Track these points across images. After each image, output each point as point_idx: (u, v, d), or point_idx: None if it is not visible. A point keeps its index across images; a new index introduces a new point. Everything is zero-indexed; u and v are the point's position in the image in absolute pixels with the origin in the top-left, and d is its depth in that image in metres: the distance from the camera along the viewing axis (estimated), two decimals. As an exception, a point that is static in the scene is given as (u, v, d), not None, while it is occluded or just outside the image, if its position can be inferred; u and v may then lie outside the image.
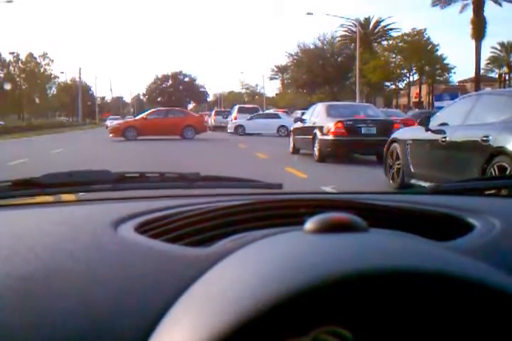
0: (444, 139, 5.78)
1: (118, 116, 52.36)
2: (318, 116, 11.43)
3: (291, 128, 13.45)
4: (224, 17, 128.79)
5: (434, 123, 6.13)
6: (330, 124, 10.63)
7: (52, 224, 0.76)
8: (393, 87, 47.72)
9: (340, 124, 10.41)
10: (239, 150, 15.72)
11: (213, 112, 36.70)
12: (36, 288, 0.52)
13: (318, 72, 48.56)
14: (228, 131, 27.08)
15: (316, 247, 0.51)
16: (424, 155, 6.37)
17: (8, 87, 52.63)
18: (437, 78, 42.59)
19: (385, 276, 0.43)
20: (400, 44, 39.08)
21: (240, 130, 26.49)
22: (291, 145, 13.19)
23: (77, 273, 0.55)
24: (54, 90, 69.18)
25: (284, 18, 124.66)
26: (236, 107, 31.07)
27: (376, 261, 0.45)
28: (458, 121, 5.78)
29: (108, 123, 44.32)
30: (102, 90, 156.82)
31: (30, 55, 59.38)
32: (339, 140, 10.42)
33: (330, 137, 10.51)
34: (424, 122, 6.20)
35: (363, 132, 10.53)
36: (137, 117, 24.44)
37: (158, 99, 75.78)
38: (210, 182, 1.11)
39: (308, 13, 36.12)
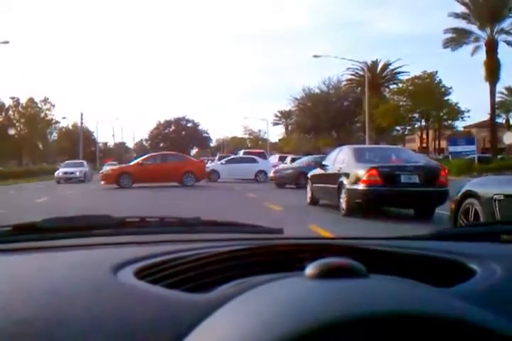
0: None
1: (82, 161, 33.08)
2: (344, 161, 9.56)
3: (309, 176, 11.56)
4: (227, 62, 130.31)
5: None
6: (361, 171, 8.74)
7: (53, 268, 0.76)
8: (401, 131, 46.23)
9: (374, 171, 8.51)
10: (248, 199, 13.71)
11: (217, 157, 35.00)
12: (35, 332, 0.53)
13: (323, 116, 47.37)
14: None
15: (316, 293, 0.53)
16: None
17: (8, 131, 51.29)
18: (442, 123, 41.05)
19: (383, 321, 0.45)
20: (411, 87, 37.81)
21: (213, 175, 23.27)
22: (309, 195, 11.28)
23: (76, 318, 0.55)
24: (55, 135, 68.23)
25: (287, 62, 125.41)
26: (241, 152, 29.43)
27: (374, 307, 0.47)
28: None
29: (60, 171, 28.37)
30: (105, 136, 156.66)
31: (31, 99, 58.71)
32: (373, 190, 8.49)
33: (361, 187, 8.60)
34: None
35: (402, 181, 8.58)
36: (132, 163, 22.15)
37: (161, 145, 74.81)
38: (210, 226, 1.11)
39: (315, 56, 35.20)
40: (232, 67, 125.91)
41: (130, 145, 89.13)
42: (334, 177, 9.49)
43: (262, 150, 30.80)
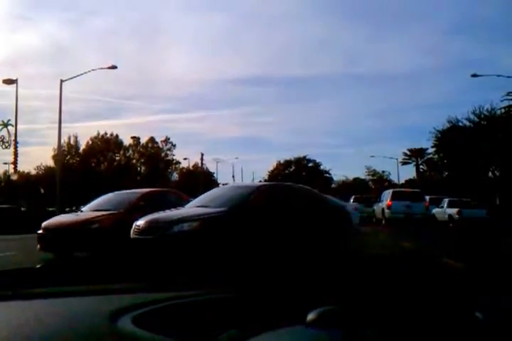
0: None
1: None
2: None
3: None
4: (349, 103, 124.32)
5: None
6: None
7: (51, 315, 0.74)
8: None
9: None
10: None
11: (352, 198, 29.06)
12: None
13: (474, 152, 39.69)
14: None
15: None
16: None
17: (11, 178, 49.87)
18: None
19: None
20: None
21: None
22: None
23: None
24: (176, 176, 67.02)
25: (410, 103, 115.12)
26: (389, 192, 23.28)
27: None
28: None
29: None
30: (225, 176, 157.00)
31: (152, 139, 57.74)
32: None
33: None
34: None
35: None
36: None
37: (280, 186, 70.71)
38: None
39: (474, 75, 28.65)
40: (352, 107, 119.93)
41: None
42: None
43: (418, 191, 24.29)
